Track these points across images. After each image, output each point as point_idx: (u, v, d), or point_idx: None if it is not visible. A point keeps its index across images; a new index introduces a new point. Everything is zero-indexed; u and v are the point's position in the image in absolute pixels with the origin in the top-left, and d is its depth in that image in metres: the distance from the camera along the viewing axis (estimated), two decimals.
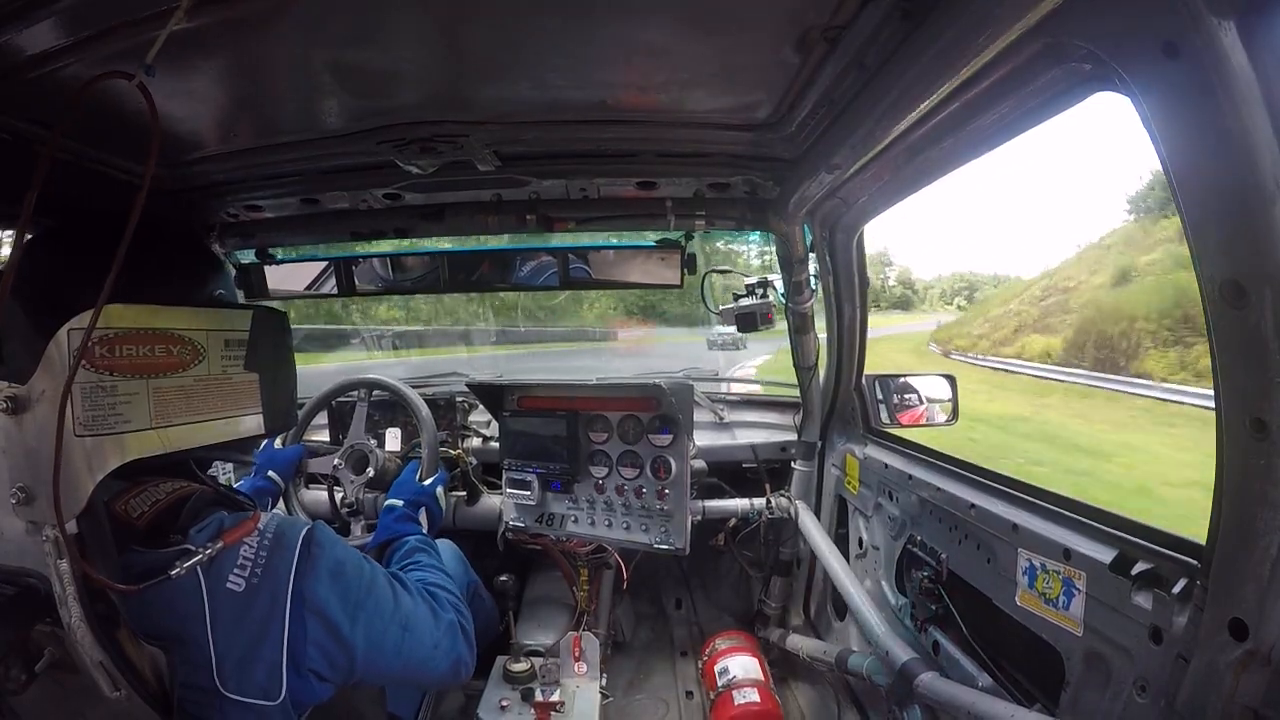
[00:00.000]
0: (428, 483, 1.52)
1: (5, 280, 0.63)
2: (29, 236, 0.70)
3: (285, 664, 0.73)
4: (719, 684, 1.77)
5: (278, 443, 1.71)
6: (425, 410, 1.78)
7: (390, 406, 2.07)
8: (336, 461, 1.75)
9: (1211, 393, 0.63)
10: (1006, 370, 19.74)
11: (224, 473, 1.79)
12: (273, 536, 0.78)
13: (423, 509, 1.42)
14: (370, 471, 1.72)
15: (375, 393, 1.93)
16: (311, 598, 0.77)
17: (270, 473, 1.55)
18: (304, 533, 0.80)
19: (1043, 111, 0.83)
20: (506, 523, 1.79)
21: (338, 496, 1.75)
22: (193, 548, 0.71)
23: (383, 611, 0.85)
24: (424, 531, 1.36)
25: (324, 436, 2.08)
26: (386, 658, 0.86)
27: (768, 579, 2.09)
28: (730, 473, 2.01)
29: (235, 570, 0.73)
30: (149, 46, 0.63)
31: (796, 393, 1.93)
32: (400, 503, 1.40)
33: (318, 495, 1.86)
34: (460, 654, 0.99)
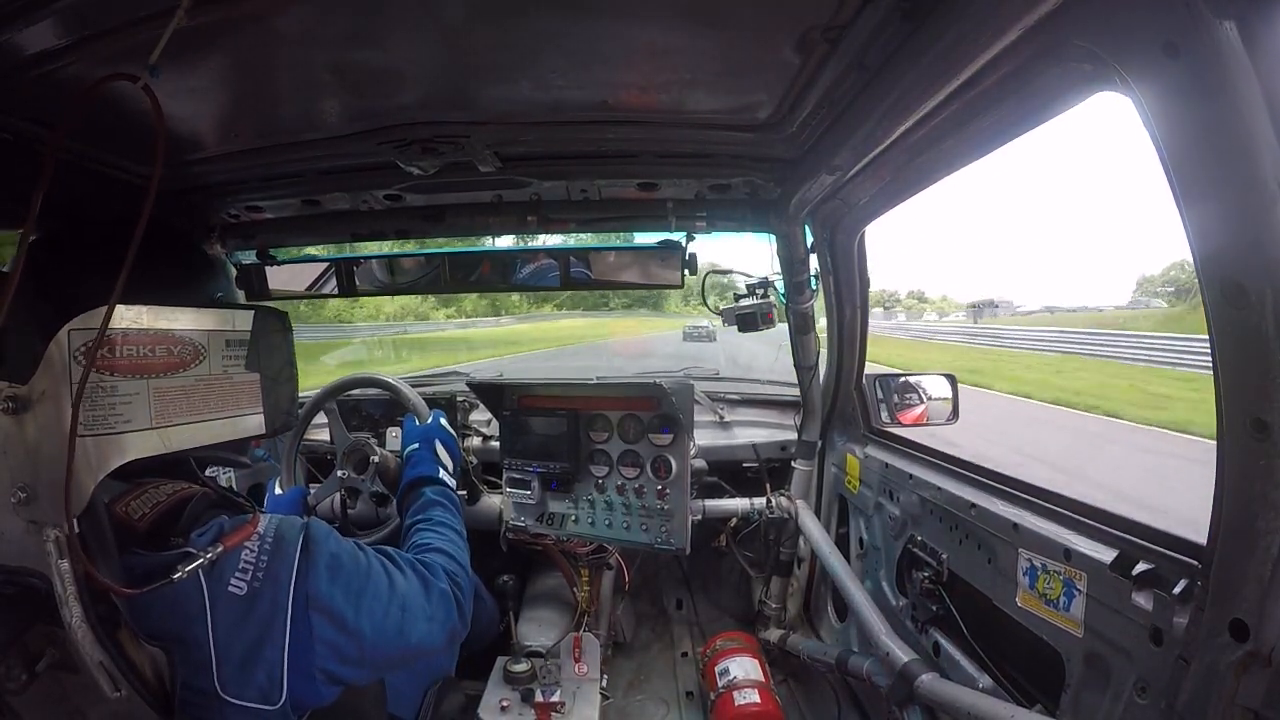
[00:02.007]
0: (429, 421, 1.54)
1: (10, 282, 0.63)
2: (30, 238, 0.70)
3: (286, 668, 0.73)
4: (719, 685, 1.76)
5: (277, 489, 1.72)
6: (419, 401, 1.78)
7: (390, 406, 2.07)
8: (340, 472, 1.75)
9: None
10: None
11: (224, 473, 1.79)
12: (273, 540, 0.78)
13: (435, 441, 1.43)
14: (374, 459, 1.73)
15: (363, 393, 1.92)
16: (315, 595, 0.77)
17: None
18: (302, 533, 0.81)
19: (1043, 112, 0.82)
20: (507, 522, 1.79)
21: (357, 502, 1.76)
22: (194, 551, 0.71)
23: (381, 596, 0.86)
24: (445, 469, 1.38)
25: (324, 436, 2.08)
26: (391, 640, 0.86)
27: (768, 579, 2.09)
28: (730, 472, 2.01)
29: (236, 574, 0.73)
30: (149, 45, 0.63)
31: (797, 391, 1.93)
32: (416, 445, 1.42)
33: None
34: (453, 622, 1.00)
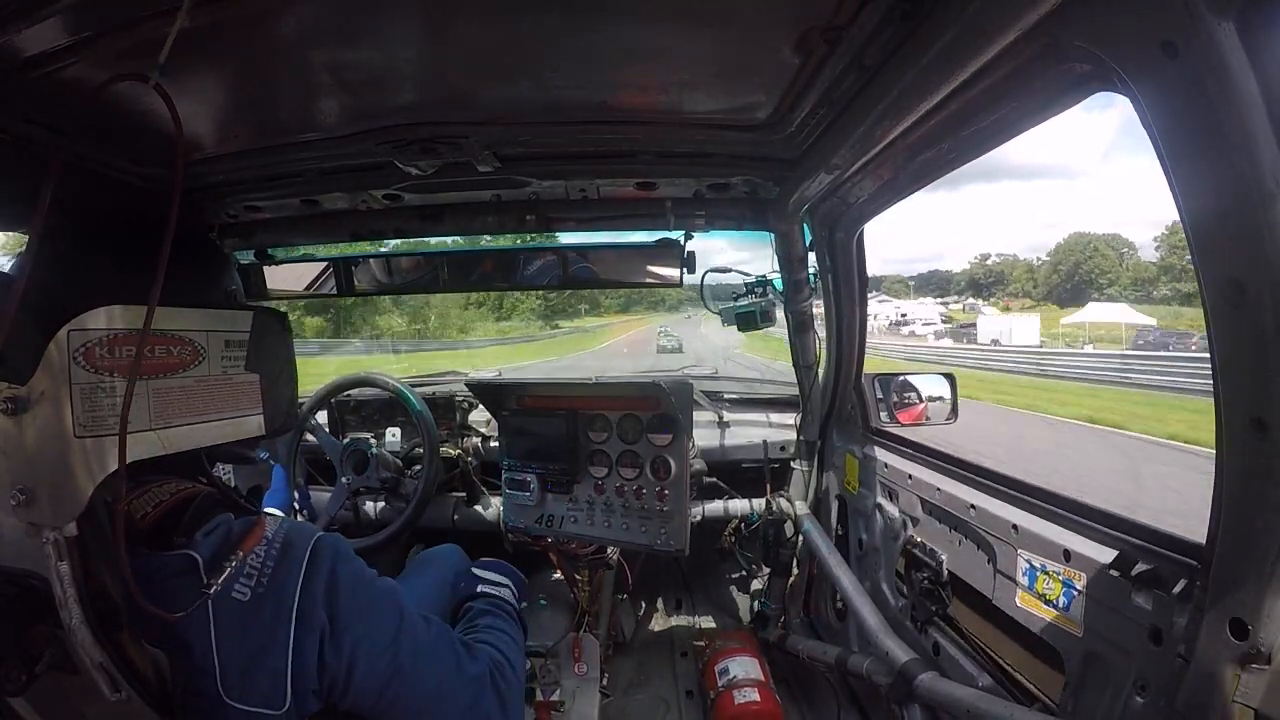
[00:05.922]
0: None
1: (17, 285, 0.63)
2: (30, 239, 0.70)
3: (290, 675, 0.71)
4: (719, 684, 1.76)
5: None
6: (421, 402, 1.78)
7: (389, 406, 2.07)
8: (344, 479, 1.75)
9: None
10: None
11: (224, 472, 1.79)
12: (280, 546, 0.75)
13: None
14: (372, 454, 1.74)
15: (360, 393, 1.93)
16: (307, 610, 0.74)
17: None
18: (311, 543, 0.77)
19: (1042, 112, 0.82)
20: (506, 524, 1.79)
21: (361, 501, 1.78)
22: (196, 555, 0.70)
23: (374, 642, 0.78)
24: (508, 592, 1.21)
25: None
26: (364, 692, 0.78)
27: (768, 579, 2.09)
28: (730, 473, 2.01)
29: (241, 579, 0.72)
30: (148, 46, 0.63)
31: (796, 391, 1.93)
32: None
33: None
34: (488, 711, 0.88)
